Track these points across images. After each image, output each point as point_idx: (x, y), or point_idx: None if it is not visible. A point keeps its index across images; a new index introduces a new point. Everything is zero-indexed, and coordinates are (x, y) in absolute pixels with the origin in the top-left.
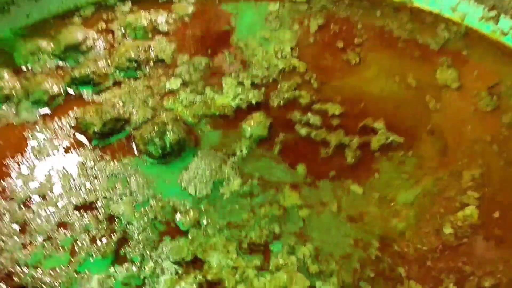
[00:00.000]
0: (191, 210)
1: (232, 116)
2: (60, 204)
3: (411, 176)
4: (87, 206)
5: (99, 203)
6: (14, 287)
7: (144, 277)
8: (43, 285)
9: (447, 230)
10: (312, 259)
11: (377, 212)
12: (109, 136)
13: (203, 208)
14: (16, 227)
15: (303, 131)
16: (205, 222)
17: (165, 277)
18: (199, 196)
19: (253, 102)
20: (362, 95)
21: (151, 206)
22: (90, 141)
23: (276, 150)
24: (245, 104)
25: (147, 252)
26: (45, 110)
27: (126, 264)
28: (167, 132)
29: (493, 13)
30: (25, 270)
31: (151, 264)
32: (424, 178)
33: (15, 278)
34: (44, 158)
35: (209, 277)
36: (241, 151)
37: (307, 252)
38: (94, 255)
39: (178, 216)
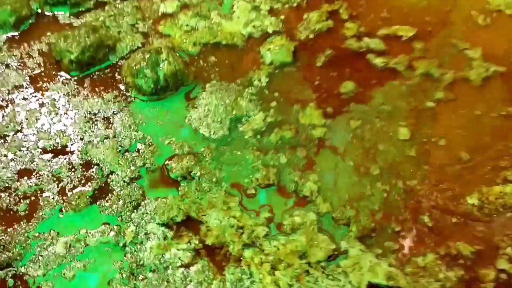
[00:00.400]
0: (184, 157)
1: (243, 46)
2: (24, 147)
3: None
4: (58, 151)
5: (74, 147)
6: None
7: (125, 244)
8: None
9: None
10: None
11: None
12: (89, 66)
13: (202, 154)
14: None
15: (378, 61)
16: (198, 174)
17: (151, 243)
18: (214, 138)
19: (270, 31)
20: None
21: (138, 151)
22: (66, 72)
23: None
24: (259, 32)
25: (128, 211)
26: (12, 34)
27: (103, 226)
28: (161, 63)
29: None
30: None
31: (133, 227)
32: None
33: None
34: (8, 91)
35: (208, 242)
36: (259, 80)
37: (314, 187)
38: (63, 210)
39: (170, 163)
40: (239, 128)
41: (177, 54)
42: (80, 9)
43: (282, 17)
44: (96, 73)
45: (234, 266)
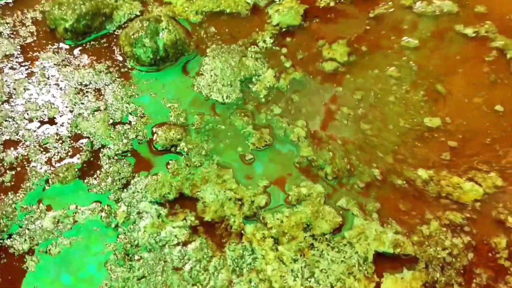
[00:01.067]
0: (173, 128)
1: (246, 15)
2: (11, 118)
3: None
4: (46, 121)
5: (63, 119)
6: None
7: (117, 225)
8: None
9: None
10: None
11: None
12: (84, 35)
13: (191, 128)
14: None
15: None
16: (185, 149)
17: (144, 223)
18: (228, 102)
19: (277, 0)
20: None
21: (130, 123)
22: (60, 41)
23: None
24: (264, 1)
25: (118, 191)
26: (5, 1)
27: (93, 205)
28: (161, 32)
29: None
30: None
31: (124, 207)
32: None
33: None
34: (5, 58)
35: (207, 218)
36: (264, 41)
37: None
38: (50, 181)
39: (157, 130)
40: (252, 88)
41: (178, 23)
42: None
43: None
44: (92, 42)
45: (235, 242)
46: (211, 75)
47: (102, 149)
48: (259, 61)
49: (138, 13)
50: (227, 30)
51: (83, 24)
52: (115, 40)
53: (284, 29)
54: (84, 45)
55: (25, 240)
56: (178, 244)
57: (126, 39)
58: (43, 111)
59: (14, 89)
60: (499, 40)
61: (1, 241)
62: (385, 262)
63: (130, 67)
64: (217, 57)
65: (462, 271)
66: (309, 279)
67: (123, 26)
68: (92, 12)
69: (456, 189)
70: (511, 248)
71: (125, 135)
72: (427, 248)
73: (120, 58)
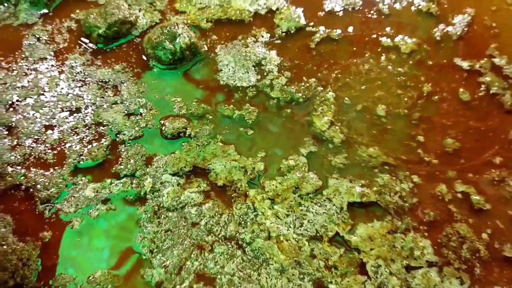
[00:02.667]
0: (178, 119)
1: (249, 21)
2: (46, 106)
3: None
4: (74, 111)
5: (88, 110)
6: (8, 186)
7: (146, 192)
8: (37, 185)
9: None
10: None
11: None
12: (114, 40)
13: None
14: (3, 129)
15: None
16: (192, 133)
17: (167, 190)
18: (250, 85)
19: (274, 8)
20: None
21: (141, 114)
22: (95, 45)
23: None
24: (264, 9)
25: (144, 167)
26: (45, 11)
27: (124, 180)
28: (178, 37)
29: None
30: (18, 169)
31: (150, 179)
32: None
33: (8, 178)
34: (34, 60)
35: (219, 183)
36: (262, 36)
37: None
38: (84, 158)
39: (166, 125)
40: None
41: (192, 29)
42: None
43: None
44: (121, 45)
45: (240, 203)
46: (229, 68)
47: (118, 135)
48: (261, 47)
49: (158, 21)
50: (233, 33)
51: (113, 30)
52: (138, 44)
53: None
54: (116, 48)
55: (71, 205)
56: (194, 205)
57: (149, 43)
58: (72, 102)
59: (47, 84)
60: None
61: (53, 204)
62: (359, 215)
63: (149, 66)
64: (227, 54)
65: (412, 210)
66: (299, 228)
67: (146, 32)
68: (120, 20)
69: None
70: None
71: (137, 124)
72: (384, 196)
73: (137, 60)
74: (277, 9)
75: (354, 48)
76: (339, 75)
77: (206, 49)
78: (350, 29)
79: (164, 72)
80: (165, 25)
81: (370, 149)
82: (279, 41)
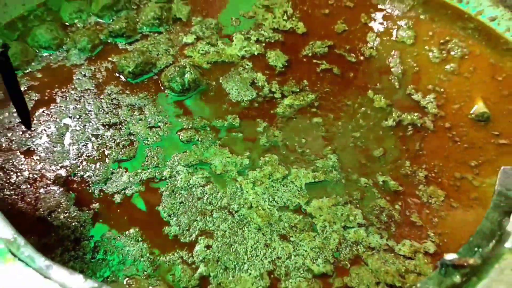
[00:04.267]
0: (189, 130)
1: (238, 62)
2: (90, 121)
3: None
4: (111, 125)
5: (121, 124)
6: (69, 174)
7: (165, 178)
8: (89, 173)
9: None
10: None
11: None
12: (139, 76)
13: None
14: (59, 136)
15: None
16: (199, 139)
17: (180, 176)
18: (254, 97)
19: (256, 53)
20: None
21: (159, 127)
22: (125, 79)
23: None
24: (248, 54)
25: (164, 162)
26: (89, 55)
27: (149, 170)
28: (186, 73)
29: None
30: (75, 163)
31: (168, 169)
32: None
33: (69, 169)
34: (86, 90)
35: (218, 172)
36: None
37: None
38: (120, 157)
39: (180, 135)
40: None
41: (196, 68)
42: (131, 40)
43: (263, 44)
44: (145, 80)
45: (231, 184)
46: (234, 90)
47: (144, 141)
48: (249, 72)
49: (171, 62)
50: (227, 69)
51: (139, 69)
52: (159, 78)
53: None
54: (141, 81)
55: (114, 186)
56: (200, 186)
57: (165, 77)
58: (110, 119)
59: (92, 106)
60: None
61: (102, 185)
62: (315, 191)
63: (164, 94)
64: (227, 81)
65: (346, 187)
66: (272, 202)
67: (163, 69)
68: (144, 62)
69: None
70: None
71: (157, 133)
72: (330, 174)
73: (156, 89)
74: (259, 54)
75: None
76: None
77: (207, 82)
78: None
79: (176, 98)
80: (176, 65)
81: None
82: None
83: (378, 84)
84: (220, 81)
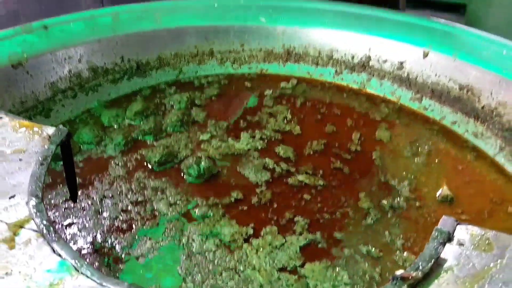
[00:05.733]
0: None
1: (245, 154)
2: (120, 201)
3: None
4: (139, 202)
5: (148, 202)
6: (98, 244)
7: (183, 244)
8: (118, 241)
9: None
10: None
11: None
12: (164, 164)
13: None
14: (95, 212)
15: None
16: (211, 214)
17: (195, 243)
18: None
19: (259, 148)
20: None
21: (177, 204)
22: (151, 167)
23: None
24: (252, 148)
25: (181, 232)
26: (122, 149)
27: (169, 238)
28: (202, 162)
29: (418, 95)
30: (106, 232)
31: (185, 238)
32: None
33: (99, 238)
34: (118, 176)
35: (227, 240)
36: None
37: None
38: (145, 227)
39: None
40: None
41: (209, 158)
42: (157, 137)
43: (266, 141)
44: (168, 168)
45: (238, 250)
46: (247, 173)
47: (165, 216)
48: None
49: (189, 154)
50: (238, 158)
51: (164, 159)
52: (175, 167)
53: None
54: (165, 169)
55: (139, 251)
56: (211, 251)
57: (184, 166)
58: (137, 198)
59: (123, 187)
60: None
61: (129, 250)
62: (308, 256)
63: (183, 178)
64: (242, 167)
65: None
66: (272, 264)
67: (183, 159)
68: (167, 154)
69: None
70: None
71: (177, 207)
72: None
73: (176, 175)
74: (262, 148)
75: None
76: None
77: (218, 169)
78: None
79: (192, 181)
80: (194, 156)
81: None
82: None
83: (363, 177)
84: (230, 167)
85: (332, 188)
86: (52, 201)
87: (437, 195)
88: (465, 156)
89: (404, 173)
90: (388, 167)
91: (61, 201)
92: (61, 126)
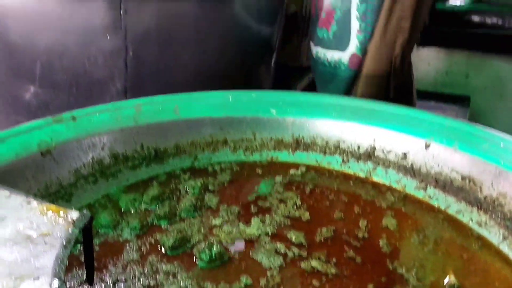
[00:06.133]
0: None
1: (256, 239)
2: (134, 284)
3: None
4: (150, 287)
5: (158, 286)
6: None
7: None
8: None
9: None
10: None
11: None
12: (177, 248)
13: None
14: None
15: None
16: None
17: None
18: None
19: (269, 233)
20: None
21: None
22: (165, 251)
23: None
24: (263, 233)
25: None
26: (137, 234)
27: None
28: (213, 247)
29: (423, 184)
30: None
31: None
32: None
33: None
34: (132, 260)
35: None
36: None
37: None
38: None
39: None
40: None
41: (222, 244)
42: (171, 221)
43: (276, 227)
44: (181, 252)
45: None
46: (259, 258)
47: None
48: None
49: (202, 238)
50: (247, 246)
51: (177, 243)
52: (187, 252)
53: None
54: (178, 254)
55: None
56: None
57: (197, 250)
58: (148, 282)
59: (134, 271)
60: None
61: None
62: None
63: (194, 263)
64: (250, 253)
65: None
66: None
67: (195, 244)
68: (180, 238)
69: None
70: None
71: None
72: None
73: (189, 260)
74: (272, 233)
75: None
76: None
77: (230, 255)
78: None
79: (203, 265)
80: (206, 243)
81: None
82: None
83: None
84: (242, 252)
85: (344, 277)
86: (68, 284)
87: (444, 283)
88: (470, 244)
89: (412, 261)
90: (396, 255)
91: (76, 284)
92: (84, 211)
